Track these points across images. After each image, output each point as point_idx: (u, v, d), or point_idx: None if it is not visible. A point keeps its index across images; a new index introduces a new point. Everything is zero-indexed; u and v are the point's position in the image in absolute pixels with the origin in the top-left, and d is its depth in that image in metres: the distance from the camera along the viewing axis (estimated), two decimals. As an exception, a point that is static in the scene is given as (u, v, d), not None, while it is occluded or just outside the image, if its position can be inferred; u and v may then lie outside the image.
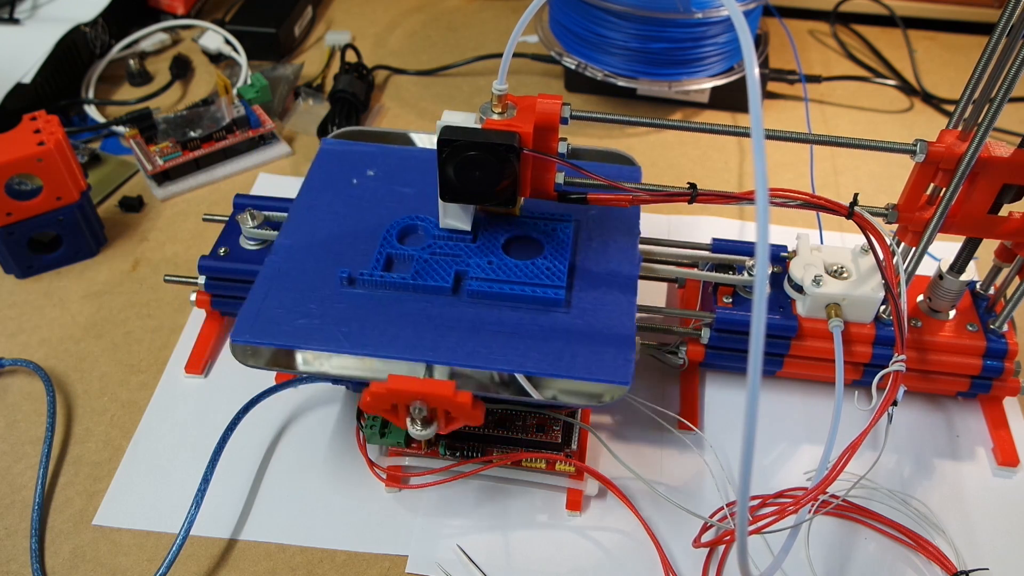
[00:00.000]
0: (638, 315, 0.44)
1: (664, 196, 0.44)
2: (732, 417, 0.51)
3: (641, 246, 0.52)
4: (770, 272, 0.50)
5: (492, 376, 0.40)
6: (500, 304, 0.43)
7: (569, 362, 0.41)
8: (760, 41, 0.77)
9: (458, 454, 0.45)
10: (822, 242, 0.60)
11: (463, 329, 0.42)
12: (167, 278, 0.54)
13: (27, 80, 0.69)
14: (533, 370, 0.40)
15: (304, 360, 0.41)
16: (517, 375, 0.40)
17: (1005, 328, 0.49)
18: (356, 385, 0.50)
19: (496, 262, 0.45)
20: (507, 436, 0.46)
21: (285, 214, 0.53)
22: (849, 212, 0.43)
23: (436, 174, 0.42)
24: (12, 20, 0.75)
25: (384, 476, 0.47)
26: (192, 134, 0.67)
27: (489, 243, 0.46)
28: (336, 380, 0.49)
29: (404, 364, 0.41)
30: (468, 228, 0.46)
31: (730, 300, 0.49)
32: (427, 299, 0.44)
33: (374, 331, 0.42)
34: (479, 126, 0.42)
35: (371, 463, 0.46)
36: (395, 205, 0.49)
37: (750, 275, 0.49)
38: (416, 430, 0.39)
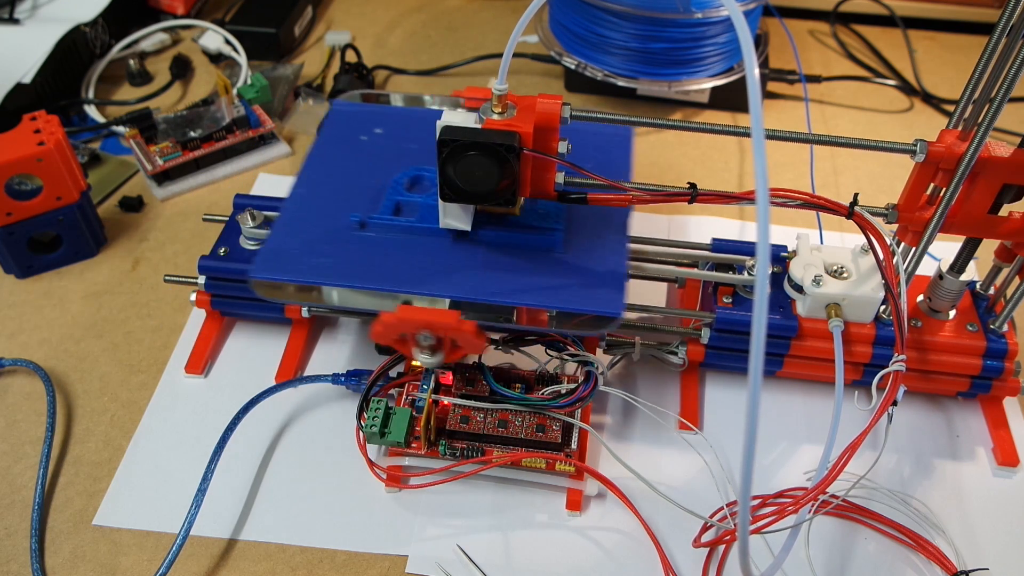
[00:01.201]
0: (638, 315, 0.44)
1: (664, 196, 0.44)
2: (732, 417, 0.51)
3: (641, 246, 0.52)
4: (770, 272, 0.50)
5: (494, 308, 0.43)
6: (502, 246, 0.46)
7: (566, 295, 0.43)
8: (760, 41, 0.77)
9: (458, 454, 0.45)
10: (822, 242, 0.60)
11: (467, 268, 0.45)
12: (167, 278, 0.54)
13: (27, 80, 0.69)
14: (533, 302, 0.43)
15: (320, 293, 0.45)
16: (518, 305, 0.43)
17: (1005, 328, 0.49)
18: (355, 384, 0.50)
19: None
20: (507, 436, 0.46)
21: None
22: (849, 212, 0.43)
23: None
24: (12, 20, 0.75)
25: (384, 476, 0.47)
26: (192, 134, 0.67)
27: None
28: (348, 313, 0.53)
29: (414, 298, 0.44)
30: (467, 228, 0.46)
31: (730, 300, 0.49)
32: (433, 242, 0.46)
33: (384, 269, 0.45)
34: (479, 126, 0.42)
35: (371, 463, 0.46)
36: (402, 159, 0.51)
37: (750, 275, 0.49)
38: (424, 358, 0.42)
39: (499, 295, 0.43)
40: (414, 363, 0.48)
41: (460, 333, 0.40)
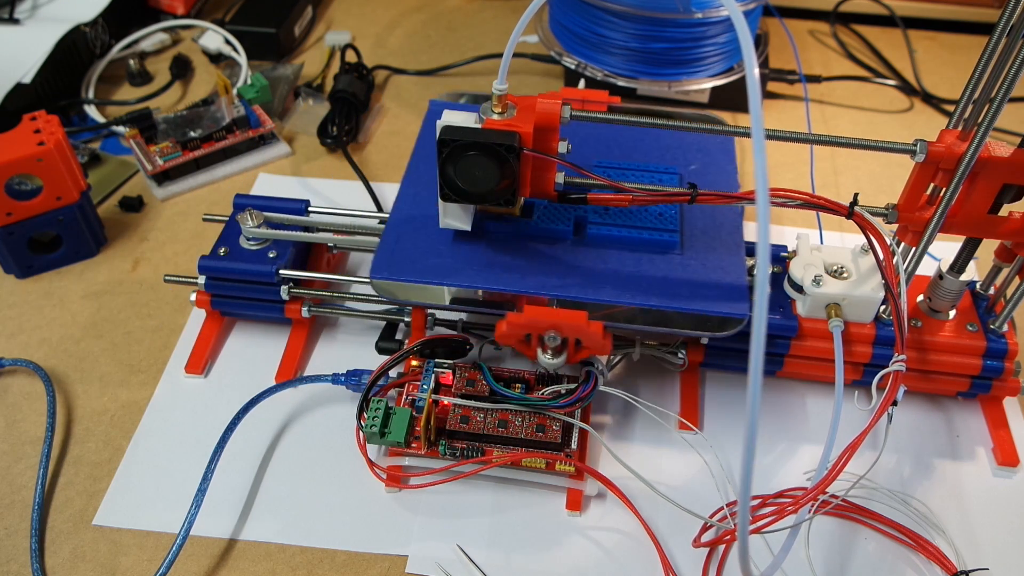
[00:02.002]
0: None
1: (664, 196, 0.44)
2: (732, 417, 0.51)
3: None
4: (770, 272, 0.50)
5: (620, 310, 0.44)
6: (618, 247, 0.47)
7: (688, 296, 0.44)
8: (760, 41, 0.77)
9: (458, 454, 0.45)
10: (822, 242, 0.60)
11: (586, 269, 0.46)
12: (167, 278, 0.54)
13: (27, 80, 0.69)
14: (656, 303, 0.44)
15: (443, 293, 0.45)
16: (644, 306, 0.44)
17: (1005, 328, 0.49)
18: (355, 384, 0.50)
19: (612, 209, 0.47)
20: (507, 436, 0.46)
21: (285, 214, 0.53)
22: (849, 212, 0.43)
23: None
24: (12, 20, 0.75)
25: (384, 476, 0.47)
26: (192, 134, 0.67)
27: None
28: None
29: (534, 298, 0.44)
30: (468, 228, 0.46)
31: (730, 300, 0.49)
32: (550, 244, 0.47)
33: (503, 270, 0.45)
34: (479, 126, 0.42)
35: (371, 463, 0.46)
36: None
37: (750, 275, 0.49)
38: (547, 359, 0.42)
39: (623, 296, 0.44)
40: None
41: (587, 334, 0.41)
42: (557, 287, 0.44)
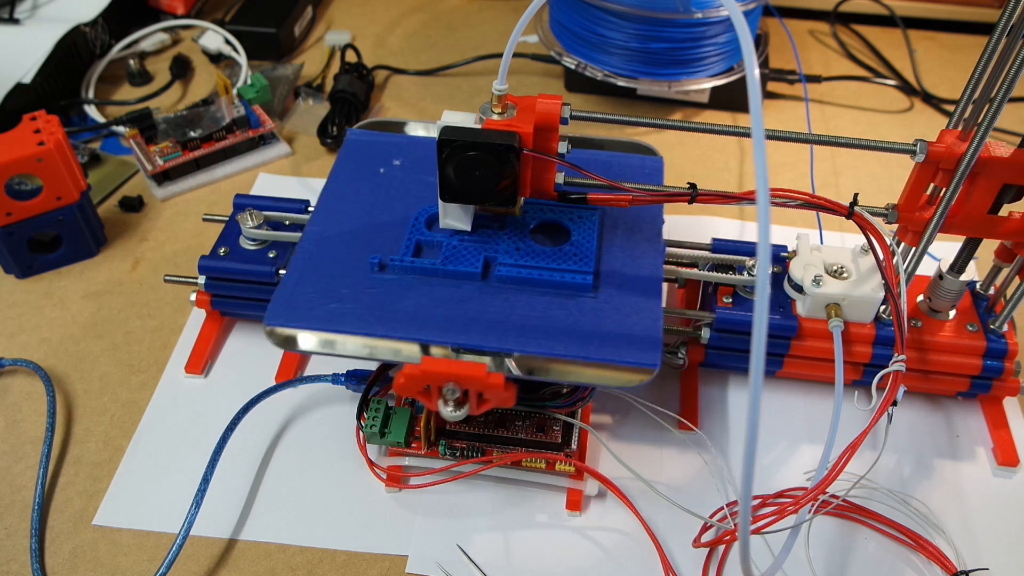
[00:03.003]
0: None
1: (664, 196, 0.44)
2: (732, 417, 0.51)
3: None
4: (770, 272, 0.50)
5: (522, 359, 0.41)
6: (529, 288, 0.44)
7: (598, 346, 0.41)
8: (760, 41, 0.77)
9: (458, 454, 0.45)
10: (822, 242, 0.60)
11: (493, 313, 0.43)
12: (167, 278, 0.54)
13: (27, 80, 0.69)
14: (563, 353, 0.41)
15: (337, 343, 0.42)
16: (546, 358, 0.41)
17: (1005, 328, 0.49)
18: (355, 384, 0.50)
19: (524, 248, 0.45)
20: (507, 436, 0.46)
21: (285, 214, 0.53)
22: (849, 212, 0.43)
23: None
24: (12, 20, 0.75)
25: (384, 476, 0.47)
26: (192, 134, 0.67)
27: (517, 229, 0.47)
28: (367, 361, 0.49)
29: (436, 347, 0.41)
30: (468, 228, 0.46)
31: (730, 300, 0.49)
32: (457, 284, 0.44)
33: (406, 315, 0.42)
34: (479, 126, 0.42)
35: (371, 463, 0.46)
36: (422, 193, 0.49)
37: (750, 275, 0.49)
38: (448, 411, 0.39)
39: (527, 344, 0.41)
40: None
41: (488, 387, 0.39)
42: (459, 335, 0.41)
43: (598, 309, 0.43)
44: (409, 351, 0.41)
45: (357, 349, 0.42)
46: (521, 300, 0.44)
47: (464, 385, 0.39)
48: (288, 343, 0.42)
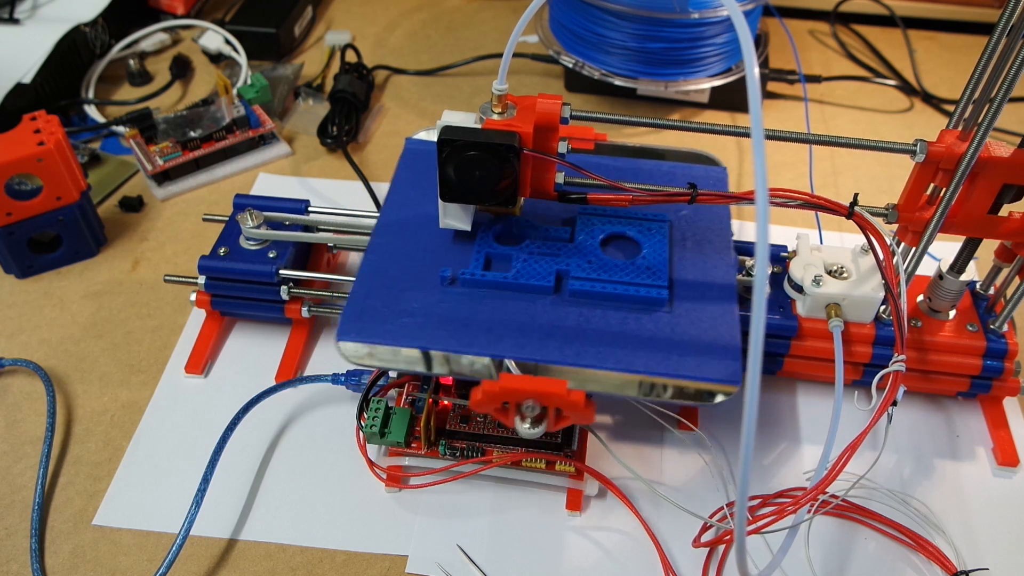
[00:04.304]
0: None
1: (664, 196, 0.44)
2: (732, 417, 0.51)
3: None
4: (770, 272, 0.50)
5: (602, 376, 0.40)
6: (602, 303, 0.43)
7: (677, 362, 0.41)
8: (760, 41, 0.77)
9: (458, 454, 0.45)
10: (821, 242, 0.60)
11: (567, 328, 0.42)
12: (167, 278, 0.54)
13: (27, 80, 0.69)
14: (642, 369, 0.40)
15: (414, 358, 0.41)
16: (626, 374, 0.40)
17: (1005, 328, 0.49)
18: (355, 384, 0.50)
19: (596, 261, 0.45)
20: (507, 436, 0.46)
21: (285, 214, 0.53)
22: (849, 212, 0.43)
23: None
24: (12, 20, 0.75)
25: (384, 476, 0.47)
26: (192, 134, 0.67)
27: (587, 242, 0.46)
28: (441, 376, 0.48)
29: (513, 363, 0.41)
30: (468, 228, 0.46)
31: (730, 300, 0.49)
32: (529, 299, 0.44)
33: (479, 330, 0.42)
34: (479, 126, 0.42)
35: (371, 463, 0.46)
36: None
37: (750, 275, 0.49)
38: (525, 428, 0.38)
39: (605, 360, 0.40)
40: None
41: (568, 403, 0.37)
42: (535, 350, 0.41)
43: (674, 324, 0.42)
44: (486, 366, 0.41)
45: (435, 365, 0.41)
46: (596, 315, 0.43)
47: (544, 402, 0.38)
48: (362, 358, 0.41)
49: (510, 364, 0.41)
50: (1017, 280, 0.48)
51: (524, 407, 0.38)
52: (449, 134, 0.41)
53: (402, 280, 0.44)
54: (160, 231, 0.63)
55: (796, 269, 0.48)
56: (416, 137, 0.41)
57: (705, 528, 0.45)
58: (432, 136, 0.41)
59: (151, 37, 0.81)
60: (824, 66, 0.81)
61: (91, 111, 0.73)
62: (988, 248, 0.48)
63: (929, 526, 0.46)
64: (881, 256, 0.44)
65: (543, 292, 0.44)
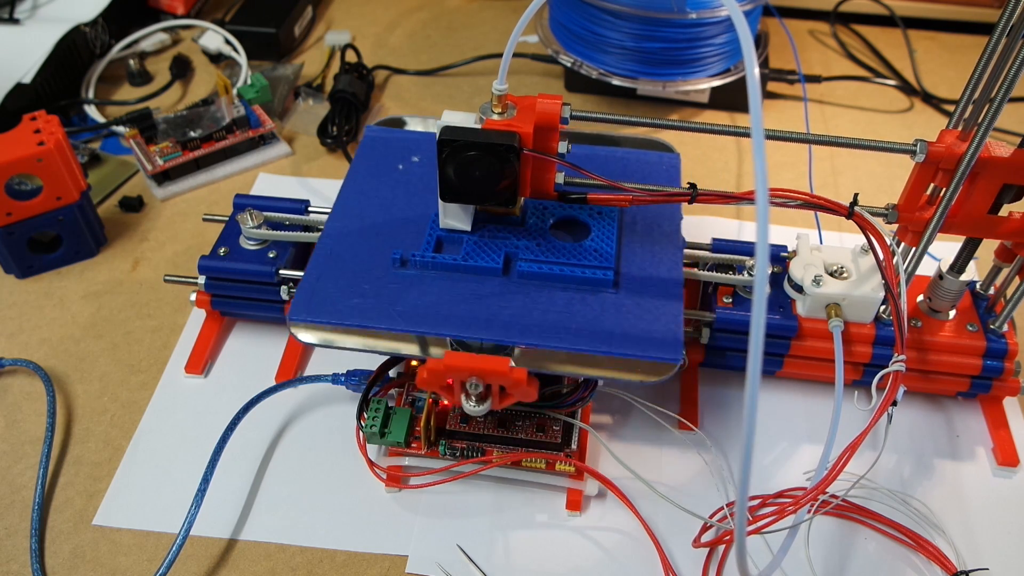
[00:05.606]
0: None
1: (664, 196, 0.44)
2: (732, 417, 0.51)
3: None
4: (770, 272, 0.50)
5: (546, 353, 0.41)
6: (550, 285, 0.44)
7: (620, 339, 0.42)
8: (760, 41, 0.77)
9: (458, 454, 0.45)
10: (821, 242, 0.60)
11: (515, 309, 0.43)
12: (167, 278, 0.54)
13: (27, 80, 0.69)
14: (585, 347, 0.41)
15: (360, 338, 0.42)
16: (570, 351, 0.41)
17: (1005, 328, 0.49)
18: (355, 384, 0.50)
19: (544, 244, 0.46)
20: (507, 436, 0.46)
21: (285, 214, 0.53)
22: (849, 212, 0.43)
23: None
24: (12, 20, 0.75)
25: (384, 476, 0.47)
26: (192, 134, 0.67)
27: (537, 225, 0.47)
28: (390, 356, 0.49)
29: (458, 342, 0.42)
30: (468, 228, 0.46)
31: (730, 300, 0.49)
32: (478, 280, 0.44)
33: (427, 311, 0.43)
34: (479, 126, 0.42)
35: (371, 463, 0.46)
36: None
37: (750, 275, 0.49)
38: (471, 406, 0.39)
39: (549, 339, 0.41)
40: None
41: (511, 381, 0.39)
42: (482, 330, 0.42)
43: (619, 305, 0.43)
44: (432, 346, 0.42)
45: (381, 344, 0.42)
46: (543, 296, 0.44)
47: (487, 379, 0.39)
48: (310, 336, 0.42)
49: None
50: (1017, 280, 0.48)
51: (468, 385, 0.39)
52: (449, 134, 0.41)
53: (355, 263, 0.45)
54: (160, 231, 0.63)
55: (796, 269, 0.48)
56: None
57: (705, 528, 0.45)
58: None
59: (151, 37, 0.81)
60: (824, 66, 0.81)
61: (91, 111, 0.73)
62: (988, 248, 0.48)
63: (929, 526, 0.46)
64: (881, 256, 0.44)
65: (491, 273, 0.45)
